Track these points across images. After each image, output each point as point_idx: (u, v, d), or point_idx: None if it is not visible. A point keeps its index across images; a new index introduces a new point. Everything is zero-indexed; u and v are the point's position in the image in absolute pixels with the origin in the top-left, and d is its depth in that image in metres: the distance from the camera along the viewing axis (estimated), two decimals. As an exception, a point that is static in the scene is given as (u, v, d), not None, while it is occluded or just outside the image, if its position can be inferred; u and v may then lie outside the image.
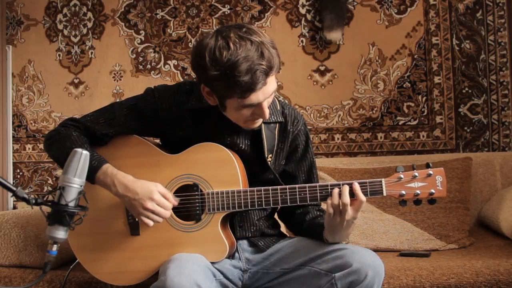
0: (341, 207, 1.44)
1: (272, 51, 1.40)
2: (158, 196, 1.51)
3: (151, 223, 1.52)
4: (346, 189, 1.45)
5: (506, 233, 2.14)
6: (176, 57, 2.99)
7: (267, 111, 1.47)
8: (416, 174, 1.50)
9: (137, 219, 1.57)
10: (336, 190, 1.46)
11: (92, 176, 1.52)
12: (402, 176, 1.50)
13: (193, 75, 2.96)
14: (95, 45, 3.09)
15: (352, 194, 1.46)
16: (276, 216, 1.80)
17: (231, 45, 1.37)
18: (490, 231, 2.33)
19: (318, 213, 1.68)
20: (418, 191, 1.50)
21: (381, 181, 1.49)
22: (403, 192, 1.50)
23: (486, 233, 2.33)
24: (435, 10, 2.79)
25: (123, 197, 1.53)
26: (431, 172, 1.50)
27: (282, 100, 1.75)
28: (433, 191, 1.50)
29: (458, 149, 2.76)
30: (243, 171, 1.57)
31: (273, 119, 1.64)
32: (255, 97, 1.41)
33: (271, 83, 1.43)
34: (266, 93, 1.43)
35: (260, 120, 1.54)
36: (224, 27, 1.44)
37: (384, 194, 1.49)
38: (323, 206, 1.73)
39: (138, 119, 1.62)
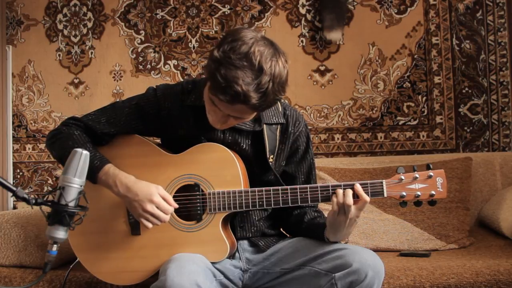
0: (345, 208, 1.45)
1: (270, 92, 1.36)
2: (158, 199, 1.51)
3: (150, 225, 1.52)
4: (349, 192, 1.46)
5: (506, 233, 2.14)
6: (176, 57, 2.99)
7: (217, 123, 1.46)
8: (417, 175, 1.51)
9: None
10: (341, 190, 1.47)
11: (94, 176, 1.52)
12: (403, 177, 1.51)
13: (193, 75, 2.96)
14: (95, 45, 3.09)
15: (356, 195, 1.46)
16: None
17: (255, 51, 1.35)
18: (490, 231, 2.33)
19: (316, 214, 1.68)
20: (418, 193, 1.50)
21: (382, 182, 1.50)
22: (404, 193, 1.50)
23: (486, 233, 2.33)
24: (435, 10, 2.79)
25: (124, 198, 1.53)
26: (431, 173, 1.50)
27: (283, 101, 1.75)
28: (433, 192, 1.50)
29: (458, 149, 2.76)
30: (244, 171, 1.58)
31: (275, 120, 1.64)
32: (218, 103, 1.40)
33: (238, 110, 1.40)
34: (229, 111, 1.41)
35: (225, 127, 1.52)
36: (270, 41, 1.41)
37: (385, 195, 1.50)
38: (320, 206, 1.74)
39: (140, 118, 1.62)
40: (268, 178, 1.64)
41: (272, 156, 1.64)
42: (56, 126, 1.68)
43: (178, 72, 2.99)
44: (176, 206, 1.54)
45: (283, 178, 1.67)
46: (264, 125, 1.62)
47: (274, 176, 1.64)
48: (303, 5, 2.88)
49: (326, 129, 2.87)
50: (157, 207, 1.50)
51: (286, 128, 1.67)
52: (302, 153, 1.70)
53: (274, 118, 1.64)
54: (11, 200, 3.08)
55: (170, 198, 1.54)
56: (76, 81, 3.11)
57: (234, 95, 1.34)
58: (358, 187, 1.47)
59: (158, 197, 1.51)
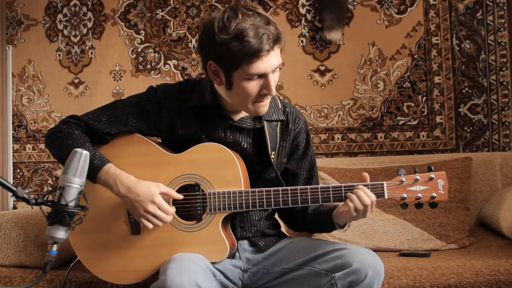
0: (365, 209, 1.46)
1: (278, 26, 1.46)
2: (160, 200, 1.50)
3: (150, 226, 1.52)
4: (361, 192, 1.47)
5: (506, 233, 2.14)
6: (176, 57, 2.99)
7: (273, 86, 1.48)
8: (418, 177, 1.50)
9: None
10: (354, 195, 1.47)
11: (94, 175, 1.52)
12: (404, 179, 1.50)
13: (193, 75, 2.96)
14: (95, 45, 3.09)
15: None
16: (276, 215, 1.80)
17: (239, 15, 1.42)
18: (490, 231, 2.33)
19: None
20: (419, 195, 1.50)
21: (383, 184, 1.50)
22: (405, 195, 1.50)
23: (486, 233, 2.33)
24: (435, 10, 2.79)
25: (124, 198, 1.53)
26: (433, 175, 1.50)
27: (283, 99, 1.75)
28: (434, 194, 1.50)
29: (458, 149, 2.76)
30: (245, 171, 1.58)
31: (275, 117, 1.64)
32: (261, 65, 1.43)
33: (277, 55, 1.46)
34: (272, 64, 1.45)
35: (267, 103, 1.54)
36: (231, 5, 1.49)
37: (386, 197, 1.49)
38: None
39: (141, 117, 1.62)
40: (270, 175, 1.64)
41: (273, 153, 1.64)
42: (56, 124, 1.68)
43: (178, 72, 2.99)
44: (181, 197, 1.54)
45: (285, 176, 1.68)
46: (265, 122, 1.62)
47: (275, 173, 1.64)
48: (303, 5, 2.89)
49: (326, 129, 2.87)
50: (159, 208, 1.51)
51: (286, 125, 1.67)
52: (303, 150, 1.70)
53: (274, 115, 1.64)
54: (11, 200, 3.08)
55: (172, 192, 1.54)
56: (76, 81, 3.11)
57: (273, 37, 1.42)
58: (363, 187, 1.47)
59: (159, 197, 1.51)
